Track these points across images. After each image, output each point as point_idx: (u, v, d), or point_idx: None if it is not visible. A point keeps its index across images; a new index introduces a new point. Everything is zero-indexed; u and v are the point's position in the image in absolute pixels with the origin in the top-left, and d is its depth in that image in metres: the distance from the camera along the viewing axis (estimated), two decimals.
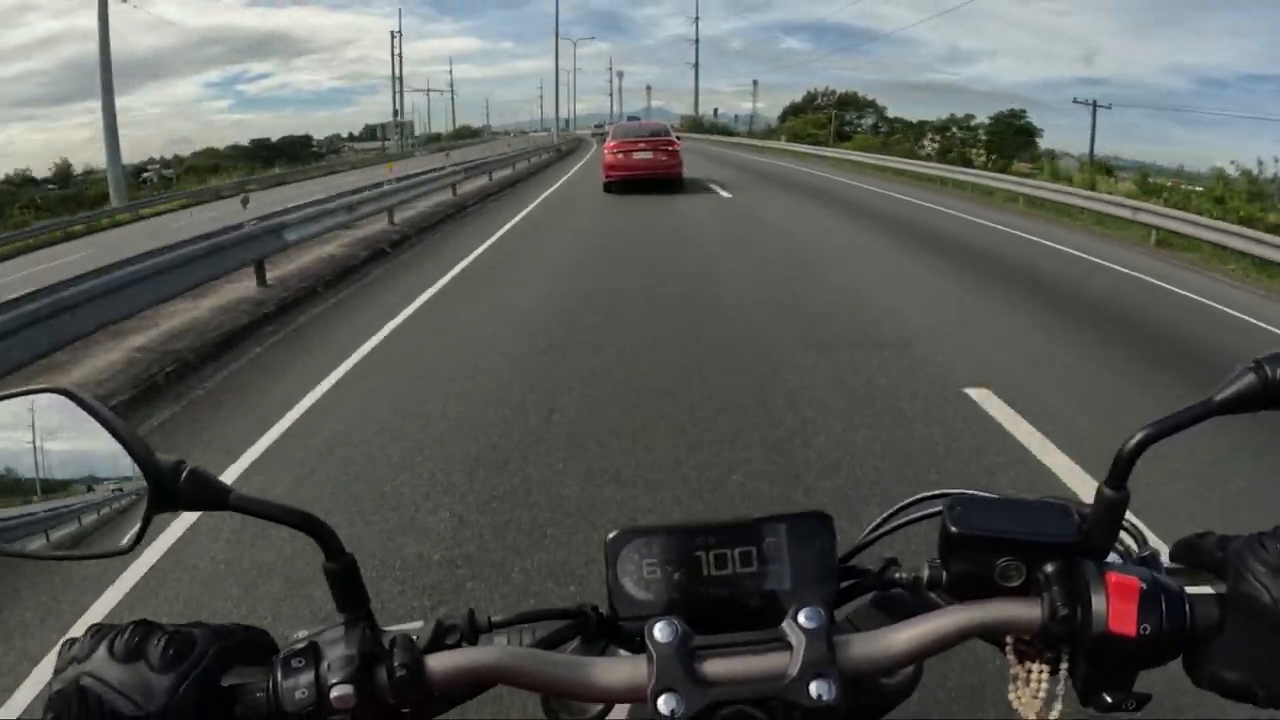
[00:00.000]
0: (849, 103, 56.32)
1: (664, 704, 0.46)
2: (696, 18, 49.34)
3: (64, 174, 45.63)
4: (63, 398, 0.49)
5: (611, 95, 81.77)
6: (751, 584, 0.52)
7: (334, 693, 0.46)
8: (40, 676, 2.29)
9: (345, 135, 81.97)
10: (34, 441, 0.51)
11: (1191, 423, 0.47)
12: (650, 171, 15.55)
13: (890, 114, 53.83)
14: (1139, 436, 0.47)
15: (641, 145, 15.80)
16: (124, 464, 0.48)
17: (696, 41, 49.58)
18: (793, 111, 57.92)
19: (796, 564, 0.52)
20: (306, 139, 69.12)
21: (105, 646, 0.47)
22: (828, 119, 47.99)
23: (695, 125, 59.70)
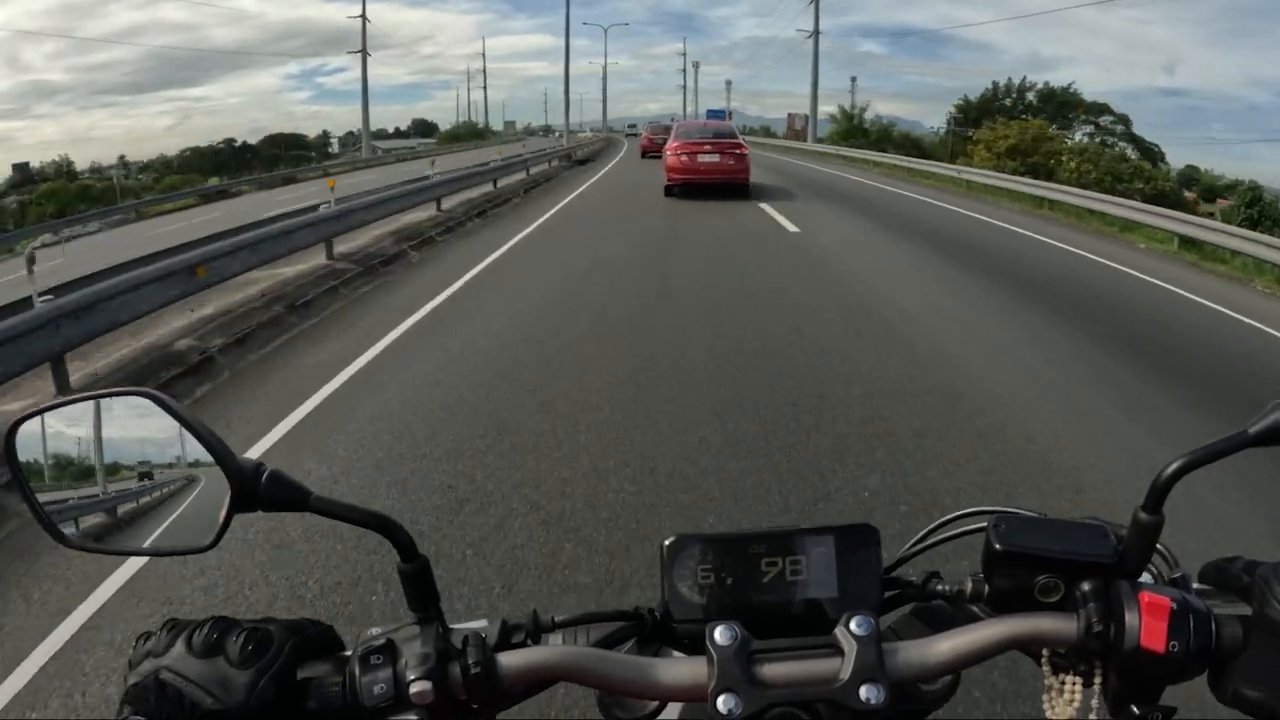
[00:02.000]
0: (1065, 105, 36.54)
1: (723, 704, 0.49)
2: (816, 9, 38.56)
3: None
4: (148, 400, 0.51)
5: (685, 89, 75.04)
6: (800, 592, 0.54)
7: (413, 688, 0.48)
8: None
9: (394, 130, 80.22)
10: (119, 440, 0.53)
11: (1225, 454, 0.50)
12: (716, 177, 14.20)
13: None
14: (1174, 466, 0.50)
15: (707, 147, 14.42)
16: (206, 464, 0.51)
17: (815, 33, 37.75)
18: (973, 115, 37.46)
19: (844, 574, 0.55)
20: (299, 138, 66.80)
21: (183, 641, 0.48)
22: (1040, 133, 26.55)
23: (850, 132, 39.83)
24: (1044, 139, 26.51)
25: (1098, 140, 34.51)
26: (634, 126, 61.79)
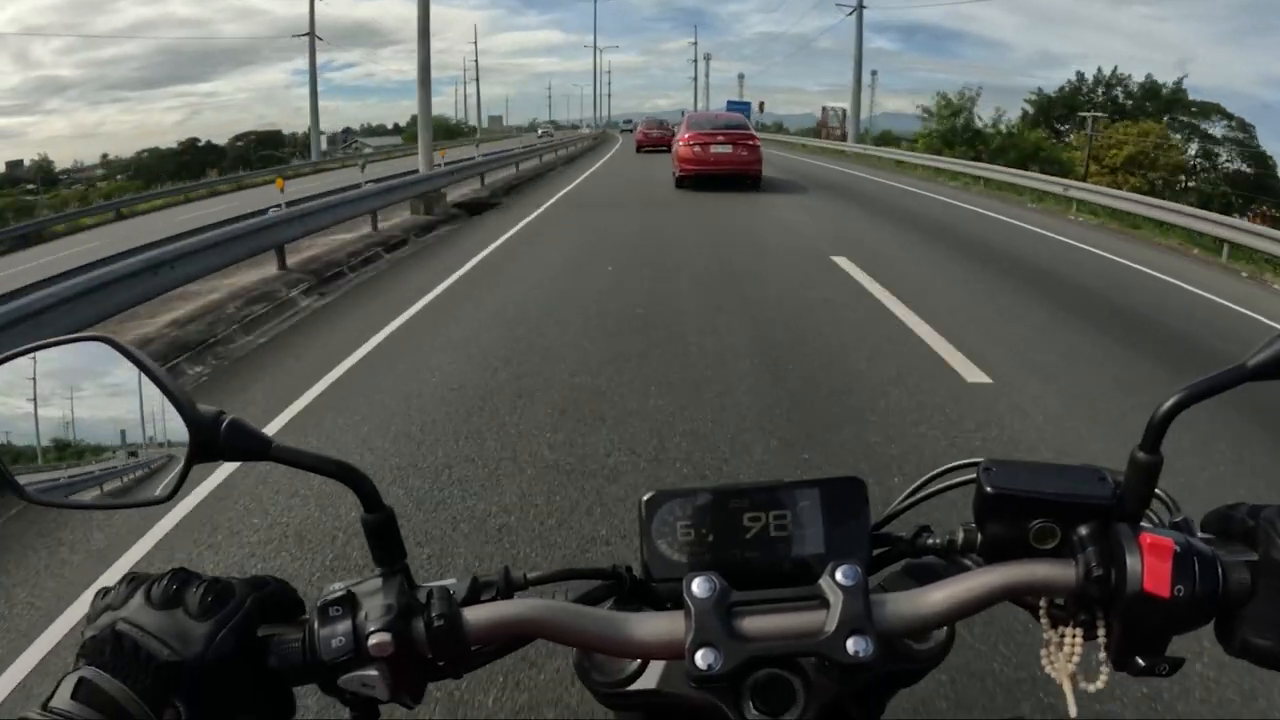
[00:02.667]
0: (1172, 104, 29.38)
1: (701, 659, 0.46)
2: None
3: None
4: (106, 346, 0.49)
5: (696, 82, 72.55)
6: (785, 547, 0.52)
7: (371, 640, 0.46)
8: None
9: (392, 127, 77.90)
10: (75, 390, 0.51)
11: (1223, 388, 0.48)
12: (728, 167, 14.11)
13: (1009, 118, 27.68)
14: (1171, 402, 0.47)
15: (720, 138, 14.31)
16: (164, 413, 0.49)
17: (859, 8, 30.26)
18: (1056, 113, 31.32)
19: (830, 528, 0.52)
20: (274, 136, 61.85)
21: (142, 593, 0.47)
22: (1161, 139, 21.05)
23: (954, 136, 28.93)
24: (1163, 147, 21.23)
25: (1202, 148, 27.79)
26: (630, 122, 61.78)
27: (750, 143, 14.46)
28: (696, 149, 14.18)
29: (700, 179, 13.93)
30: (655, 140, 30.10)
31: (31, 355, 0.51)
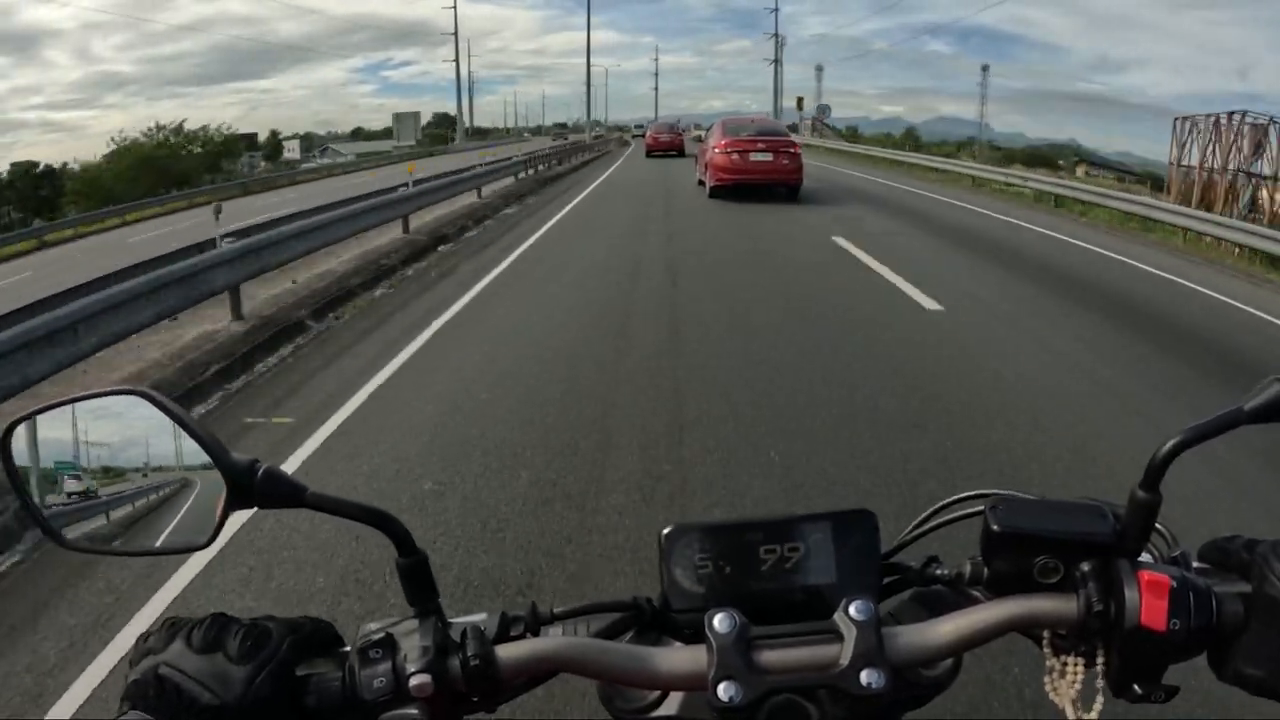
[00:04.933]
0: None
1: (723, 691, 0.49)
2: None
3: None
4: (142, 399, 0.51)
5: (778, 76, 59.28)
6: (799, 578, 0.54)
7: (413, 682, 0.48)
8: None
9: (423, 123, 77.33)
10: (113, 441, 0.53)
11: (1220, 431, 0.50)
12: (769, 176, 13.36)
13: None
14: (1170, 444, 0.50)
15: (760, 145, 13.48)
16: (201, 462, 0.51)
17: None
18: None
19: (842, 559, 0.54)
20: (251, 136, 59.06)
21: (182, 638, 0.49)
22: None
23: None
24: None
25: None
26: (640, 126, 60.69)
27: (791, 150, 13.78)
28: (734, 157, 13.37)
29: (737, 189, 13.24)
30: (665, 144, 29.59)
31: (69, 406, 0.53)
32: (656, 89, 79.81)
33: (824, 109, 48.92)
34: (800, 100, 50.18)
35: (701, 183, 15.07)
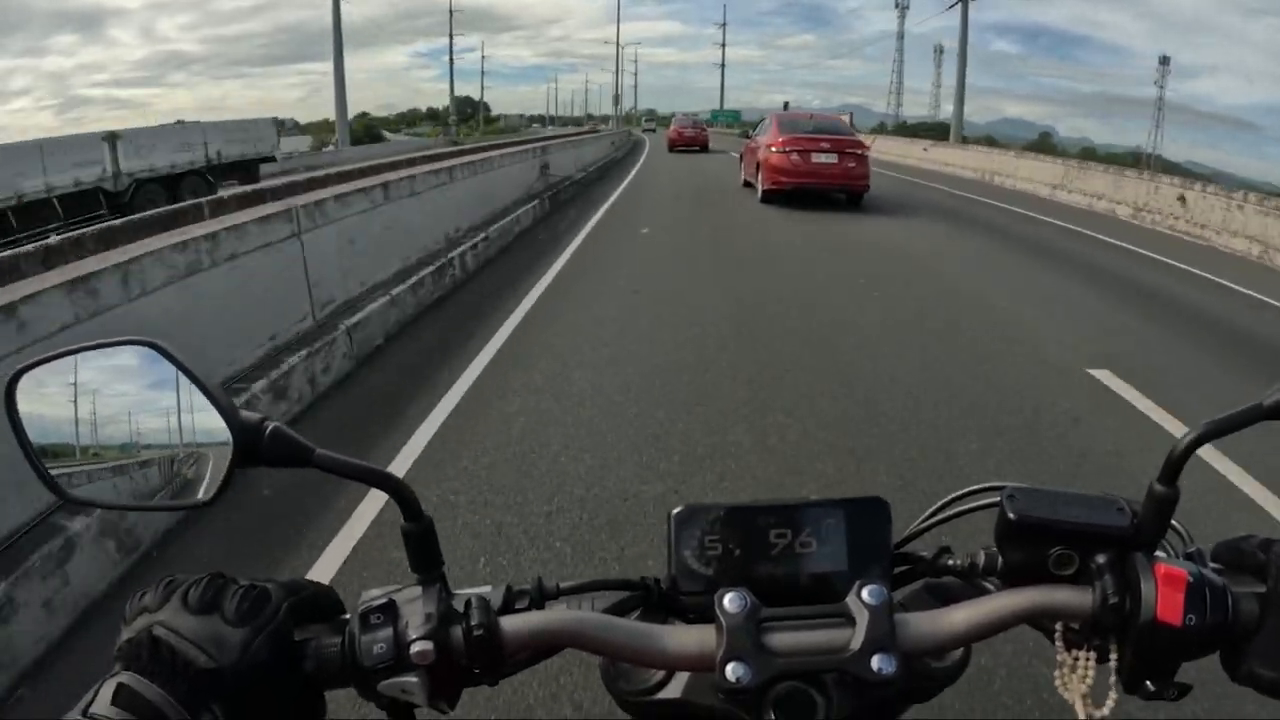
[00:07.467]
0: None
1: (731, 672, 0.48)
2: None
3: None
4: (151, 350, 0.50)
5: (900, 65, 55.18)
6: (809, 564, 0.53)
7: (414, 648, 0.47)
8: None
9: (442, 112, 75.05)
10: (118, 392, 0.52)
11: (1239, 426, 0.50)
12: (832, 182, 11.85)
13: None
14: (1189, 439, 0.49)
15: (824, 145, 11.78)
16: (207, 418, 0.50)
17: None
18: None
19: (854, 546, 0.54)
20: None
21: (179, 598, 0.47)
22: None
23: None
24: None
25: None
26: (651, 120, 59.85)
27: (859, 152, 12.04)
28: (794, 157, 11.74)
29: (796, 194, 11.77)
30: (689, 140, 29.19)
31: (73, 356, 0.52)
32: (722, 84, 78.65)
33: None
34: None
35: (748, 184, 13.68)
